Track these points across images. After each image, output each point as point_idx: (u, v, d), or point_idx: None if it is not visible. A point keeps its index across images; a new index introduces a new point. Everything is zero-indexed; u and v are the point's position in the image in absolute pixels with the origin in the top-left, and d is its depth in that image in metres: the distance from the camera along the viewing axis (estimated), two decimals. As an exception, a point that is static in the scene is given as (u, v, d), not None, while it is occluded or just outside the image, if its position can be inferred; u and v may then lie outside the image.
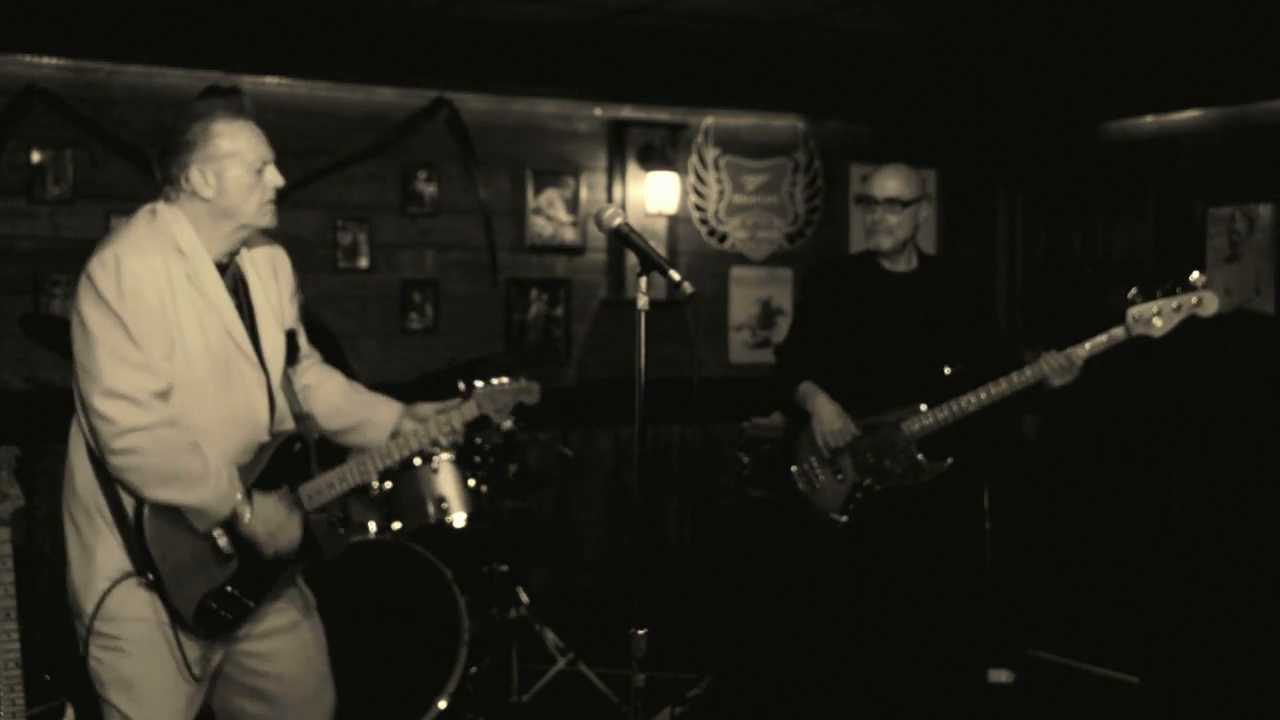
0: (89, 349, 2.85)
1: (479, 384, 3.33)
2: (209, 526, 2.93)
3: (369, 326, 6.43)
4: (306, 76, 6.21)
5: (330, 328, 5.87)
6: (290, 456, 3.10)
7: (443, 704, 4.77)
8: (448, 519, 5.04)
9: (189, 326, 2.91)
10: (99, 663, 2.94)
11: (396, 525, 4.92)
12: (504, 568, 5.29)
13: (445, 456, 5.10)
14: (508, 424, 3.47)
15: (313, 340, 5.21)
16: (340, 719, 4.61)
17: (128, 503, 2.91)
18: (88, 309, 2.86)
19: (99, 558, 2.92)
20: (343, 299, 6.36)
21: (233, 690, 3.14)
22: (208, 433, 2.93)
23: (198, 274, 2.95)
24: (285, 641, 3.15)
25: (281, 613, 3.14)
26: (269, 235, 3.24)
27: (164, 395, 2.87)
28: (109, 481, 2.91)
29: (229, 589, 2.98)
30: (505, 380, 3.35)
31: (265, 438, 3.06)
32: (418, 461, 5.08)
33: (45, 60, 5.74)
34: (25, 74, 5.70)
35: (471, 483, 5.15)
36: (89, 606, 2.91)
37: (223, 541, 2.96)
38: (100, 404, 2.82)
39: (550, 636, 5.46)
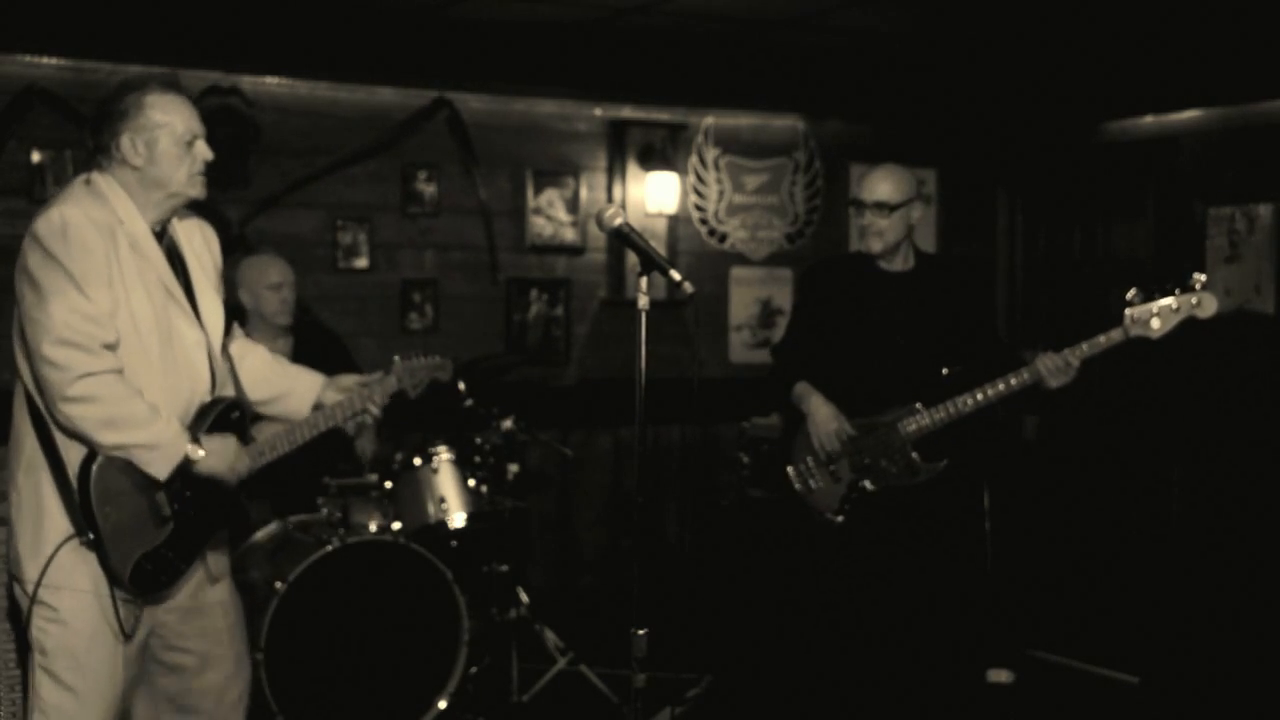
0: (40, 302, 2.92)
1: (397, 359, 3.52)
2: (167, 468, 2.99)
3: (369, 326, 6.43)
4: (306, 76, 6.22)
5: (331, 328, 5.88)
6: (229, 423, 3.18)
7: (443, 704, 4.78)
8: (448, 519, 5.05)
9: (132, 286, 3.00)
10: (42, 632, 3.01)
11: (396, 525, 4.92)
12: (504, 568, 5.29)
13: (445, 456, 5.11)
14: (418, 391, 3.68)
15: (313, 340, 5.26)
16: (340, 719, 4.64)
17: (70, 464, 2.97)
18: (36, 265, 2.94)
19: (45, 524, 2.99)
20: (343, 299, 6.36)
21: (154, 668, 3.19)
22: (151, 391, 3.01)
23: (136, 238, 3.04)
24: (204, 620, 3.21)
25: (200, 588, 3.20)
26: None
27: (112, 347, 2.96)
28: (51, 446, 2.98)
29: (163, 551, 3.06)
30: (422, 358, 3.55)
31: (206, 398, 3.15)
32: (418, 461, 5.09)
33: (45, 60, 5.74)
34: (25, 74, 5.71)
35: (471, 483, 5.15)
36: (34, 572, 2.98)
37: (163, 503, 3.04)
38: (51, 352, 2.89)
39: (550, 636, 5.46)
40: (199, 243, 3.25)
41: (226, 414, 3.18)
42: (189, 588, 3.18)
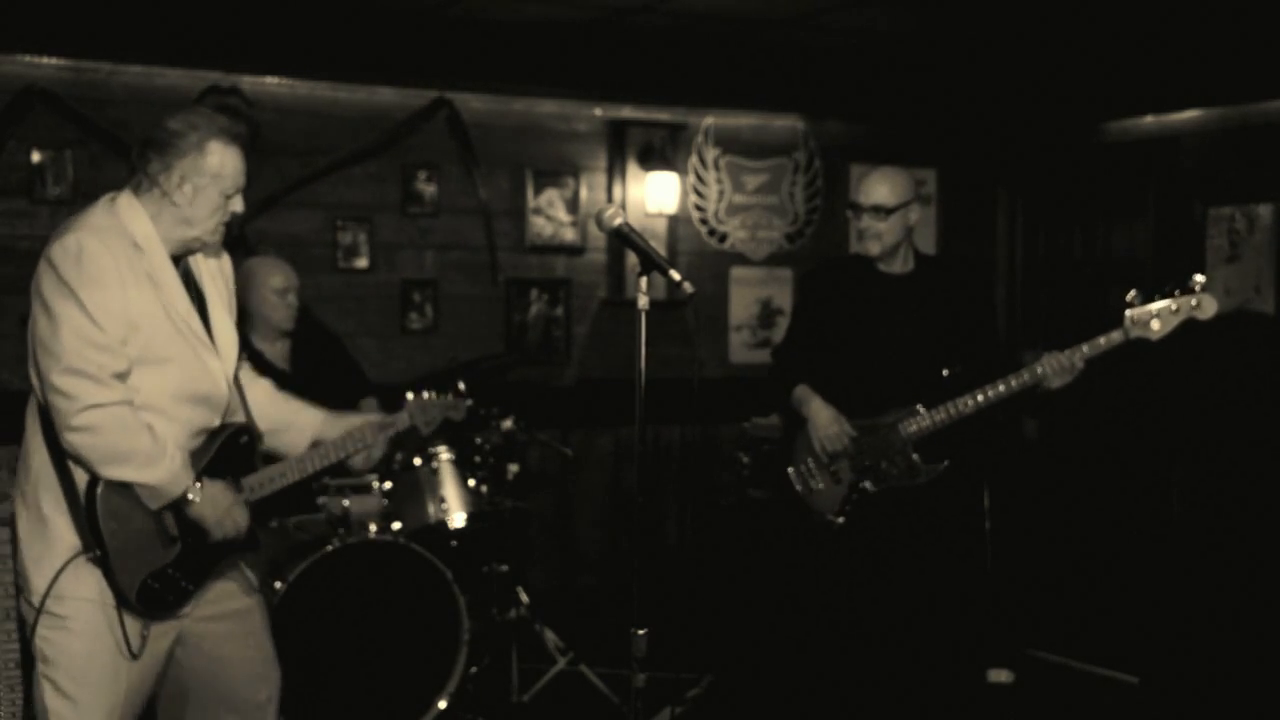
0: (53, 328, 2.92)
1: (410, 396, 3.53)
2: (161, 505, 3.01)
3: (369, 326, 6.43)
4: (306, 76, 6.22)
5: (329, 328, 5.87)
6: (237, 448, 3.20)
7: (443, 704, 4.78)
8: (448, 519, 5.05)
9: (149, 309, 2.99)
10: (45, 641, 3.00)
11: (396, 525, 4.92)
12: (504, 568, 5.29)
13: (445, 456, 5.11)
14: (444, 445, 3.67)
15: (312, 341, 5.25)
16: (340, 719, 4.64)
17: (79, 480, 2.98)
18: (49, 290, 2.94)
19: (52, 536, 2.99)
20: (343, 299, 6.36)
21: (181, 672, 3.20)
22: (165, 410, 3.01)
23: (153, 264, 3.03)
24: (231, 624, 3.22)
25: (227, 596, 3.22)
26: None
27: (122, 377, 2.95)
28: (62, 461, 2.98)
29: (170, 571, 3.06)
30: (436, 395, 3.56)
31: (216, 421, 3.15)
32: (418, 461, 5.09)
33: (45, 60, 5.74)
34: (25, 74, 5.71)
35: (471, 483, 5.15)
36: (40, 584, 2.98)
37: (170, 523, 3.04)
38: (60, 381, 2.89)
39: (550, 636, 5.46)
40: (214, 268, 3.25)
41: (235, 439, 3.19)
42: (219, 595, 3.19)
